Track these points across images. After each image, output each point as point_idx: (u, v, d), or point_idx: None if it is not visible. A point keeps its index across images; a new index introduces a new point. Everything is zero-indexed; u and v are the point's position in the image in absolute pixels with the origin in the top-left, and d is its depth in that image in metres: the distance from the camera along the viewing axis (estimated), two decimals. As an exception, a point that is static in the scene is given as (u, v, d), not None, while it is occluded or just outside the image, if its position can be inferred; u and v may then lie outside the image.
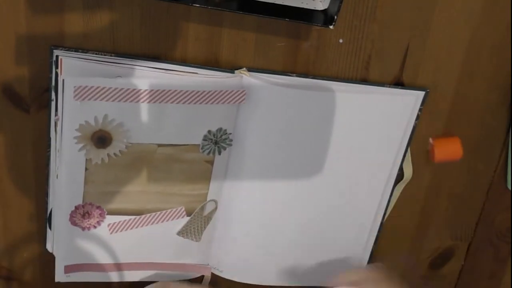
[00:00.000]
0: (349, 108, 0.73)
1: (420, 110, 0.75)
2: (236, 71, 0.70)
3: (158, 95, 0.67)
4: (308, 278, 0.84)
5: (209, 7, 0.64)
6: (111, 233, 0.74)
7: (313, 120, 0.73)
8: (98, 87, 0.65)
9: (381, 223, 0.82)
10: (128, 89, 0.66)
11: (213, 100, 0.68)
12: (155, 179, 0.72)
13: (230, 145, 0.72)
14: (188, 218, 0.75)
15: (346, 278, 0.73)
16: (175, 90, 0.67)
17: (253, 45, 0.70)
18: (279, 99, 0.71)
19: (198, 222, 0.76)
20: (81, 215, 0.72)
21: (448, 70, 0.75)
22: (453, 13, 0.71)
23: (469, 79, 0.75)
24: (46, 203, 0.75)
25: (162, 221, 0.74)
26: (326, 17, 0.65)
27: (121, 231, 0.74)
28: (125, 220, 0.73)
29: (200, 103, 0.68)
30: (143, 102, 0.67)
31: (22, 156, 0.73)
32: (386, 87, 0.73)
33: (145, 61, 0.68)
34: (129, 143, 0.69)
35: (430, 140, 0.77)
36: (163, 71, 0.68)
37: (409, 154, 0.78)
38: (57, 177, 0.71)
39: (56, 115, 0.69)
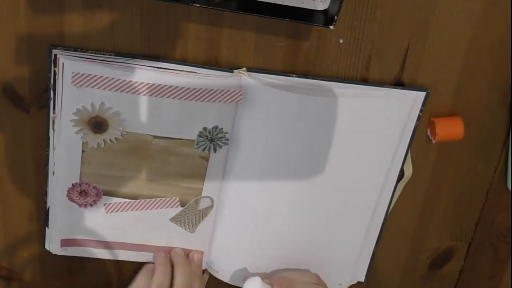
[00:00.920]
0: (349, 109, 0.73)
1: (420, 111, 0.75)
2: (235, 71, 0.70)
3: (155, 89, 0.67)
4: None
5: (209, 7, 0.64)
6: (106, 213, 0.75)
7: (312, 121, 0.73)
8: (95, 75, 0.66)
9: (383, 223, 0.82)
10: (125, 80, 0.66)
11: (209, 98, 0.68)
12: (150, 169, 0.72)
13: (226, 144, 0.72)
14: (182, 208, 0.76)
15: (281, 277, 0.76)
16: (172, 86, 0.67)
17: (253, 45, 0.70)
18: (278, 100, 0.71)
19: (192, 213, 0.76)
20: (78, 192, 0.73)
21: (448, 70, 0.74)
22: (453, 13, 0.71)
23: (469, 79, 0.75)
24: (45, 202, 0.75)
25: (156, 208, 0.75)
26: (326, 17, 0.65)
27: (116, 211, 0.75)
28: (120, 202, 0.75)
29: (196, 100, 0.68)
30: (139, 94, 0.67)
31: (22, 156, 0.73)
32: (386, 87, 0.73)
33: (145, 60, 0.68)
34: (125, 132, 0.70)
35: (432, 119, 0.77)
36: (162, 70, 0.68)
37: (409, 155, 0.78)
38: (53, 174, 0.72)
39: (54, 113, 0.69)
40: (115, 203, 0.74)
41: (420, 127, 0.76)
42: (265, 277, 0.76)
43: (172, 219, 0.76)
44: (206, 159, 0.73)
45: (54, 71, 0.67)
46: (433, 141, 0.77)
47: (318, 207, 0.78)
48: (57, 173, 0.73)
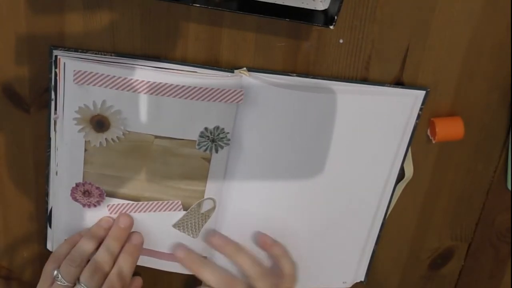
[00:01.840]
0: (349, 108, 0.73)
1: (420, 109, 0.75)
2: (235, 71, 0.70)
3: (156, 88, 0.67)
4: (307, 278, 0.84)
5: (209, 7, 0.64)
6: (110, 213, 0.75)
7: (313, 120, 0.73)
8: (97, 74, 0.66)
9: (382, 223, 0.82)
10: (126, 78, 0.66)
11: (210, 97, 0.68)
12: (152, 170, 0.72)
13: (228, 144, 0.72)
14: (185, 212, 0.75)
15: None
16: (172, 84, 0.67)
17: (253, 45, 0.70)
18: (279, 99, 0.71)
19: (195, 218, 0.76)
20: (82, 192, 0.73)
21: (448, 70, 0.75)
22: (453, 13, 0.71)
23: (469, 79, 0.75)
24: (46, 203, 0.75)
25: (159, 211, 0.75)
26: (327, 17, 0.65)
27: (119, 212, 0.75)
28: (124, 204, 0.74)
29: (197, 99, 0.68)
30: (140, 92, 0.67)
31: (22, 156, 0.74)
32: (387, 86, 0.73)
33: (145, 61, 0.68)
34: (126, 131, 0.70)
35: (432, 119, 0.77)
36: (163, 70, 0.68)
37: (410, 154, 0.78)
38: (56, 174, 0.72)
39: (55, 113, 0.69)
40: (119, 204, 0.74)
41: (420, 127, 0.76)
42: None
43: (175, 225, 0.76)
44: (208, 160, 0.73)
45: (55, 72, 0.67)
46: (433, 141, 0.77)
47: (320, 206, 0.78)
48: (60, 172, 0.72)
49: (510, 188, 0.83)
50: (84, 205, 0.74)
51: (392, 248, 0.86)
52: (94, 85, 0.66)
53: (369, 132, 0.75)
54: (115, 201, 0.74)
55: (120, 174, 0.72)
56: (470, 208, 0.85)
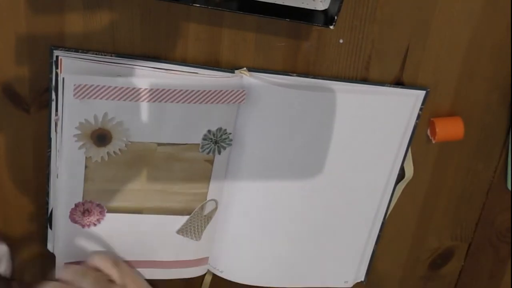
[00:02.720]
0: (350, 108, 0.73)
1: (420, 109, 0.75)
2: (236, 71, 0.70)
3: (158, 95, 0.67)
4: (308, 278, 0.84)
5: (209, 7, 0.64)
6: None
7: (313, 120, 0.73)
8: (97, 86, 0.65)
9: (382, 223, 0.82)
10: (128, 88, 0.66)
11: (213, 100, 0.68)
12: (155, 178, 0.72)
13: (230, 144, 0.72)
14: (188, 216, 0.75)
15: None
16: (175, 90, 0.67)
17: (253, 45, 0.70)
18: (280, 99, 0.71)
19: (198, 221, 0.76)
20: (81, 212, 0.72)
21: (448, 70, 0.75)
22: (453, 13, 0.71)
23: (469, 79, 0.75)
24: (46, 203, 0.75)
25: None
26: (327, 17, 0.65)
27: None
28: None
29: (200, 102, 0.68)
30: (142, 101, 0.67)
31: (22, 156, 0.73)
32: (387, 86, 0.73)
33: (145, 61, 0.68)
34: (129, 142, 0.69)
35: (432, 119, 0.77)
36: (163, 71, 0.68)
37: (410, 154, 0.78)
38: (57, 177, 0.71)
39: (56, 115, 0.69)
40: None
41: (420, 126, 0.76)
42: None
43: (178, 232, 0.76)
44: (211, 162, 0.73)
45: (56, 72, 0.67)
46: (433, 141, 0.77)
47: (321, 205, 0.78)
48: (60, 195, 0.71)
49: (510, 188, 0.83)
50: (83, 226, 0.73)
51: (392, 248, 0.86)
52: (95, 98, 0.65)
53: (369, 132, 0.75)
54: (117, 217, 0.73)
55: (121, 187, 0.72)
56: (470, 208, 0.85)
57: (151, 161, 0.71)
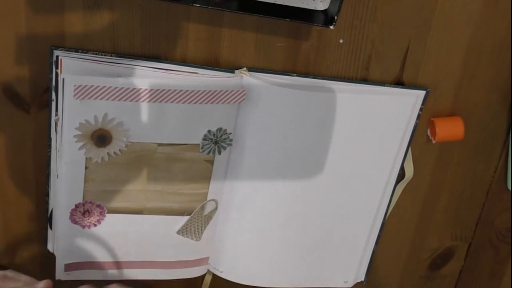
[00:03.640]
0: (350, 108, 0.73)
1: (420, 109, 0.75)
2: (236, 71, 0.70)
3: (158, 95, 0.67)
4: (308, 278, 0.84)
5: (209, 7, 0.64)
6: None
7: (313, 120, 0.73)
8: (98, 86, 0.65)
9: (382, 223, 0.82)
10: (128, 88, 0.66)
11: (213, 100, 0.68)
12: (155, 178, 0.72)
13: (230, 144, 0.72)
14: (188, 217, 0.75)
15: None
16: (175, 90, 0.67)
17: (253, 45, 0.70)
18: (280, 99, 0.71)
19: (198, 221, 0.76)
20: (81, 213, 0.72)
21: (448, 70, 0.75)
22: (453, 13, 0.71)
23: (469, 79, 0.75)
24: (46, 203, 0.75)
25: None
26: (327, 17, 0.65)
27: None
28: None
29: (200, 103, 0.68)
30: (143, 101, 0.67)
31: (22, 156, 0.73)
32: (387, 86, 0.73)
33: (145, 61, 0.68)
34: (129, 142, 0.69)
35: (432, 119, 0.77)
36: (163, 71, 0.68)
37: (410, 154, 0.78)
38: (57, 177, 0.71)
39: (56, 115, 0.69)
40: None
41: (420, 126, 0.76)
42: None
43: (178, 232, 0.76)
44: (211, 162, 0.73)
45: (56, 72, 0.67)
46: (433, 141, 0.77)
47: (322, 205, 0.78)
48: (60, 195, 0.71)
49: (510, 188, 0.83)
50: (84, 227, 0.73)
51: (392, 248, 0.86)
52: (95, 98, 0.65)
53: (369, 132, 0.75)
54: (118, 217, 0.73)
55: (122, 187, 0.72)
56: (470, 208, 0.85)
57: (151, 162, 0.71)
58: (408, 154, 0.78)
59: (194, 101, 0.68)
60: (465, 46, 0.73)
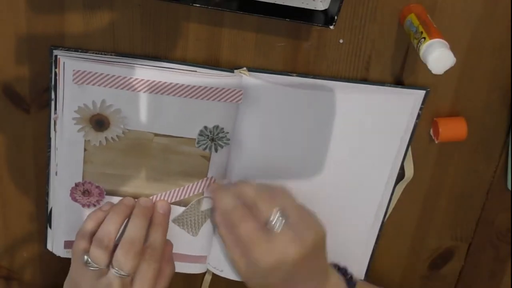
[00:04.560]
0: (350, 108, 0.73)
1: (420, 109, 0.75)
2: (236, 71, 0.70)
3: (156, 87, 0.67)
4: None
5: (209, 7, 0.64)
6: None
7: (313, 120, 0.73)
8: (96, 73, 0.66)
9: (382, 223, 0.82)
10: (126, 77, 0.66)
11: (209, 96, 0.68)
12: (151, 167, 0.72)
13: (228, 144, 0.72)
14: (184, 208, 0.75)
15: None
16: (172, 83, 0.67)
17: (253, 45, 0.70)
18: (279, 99, 0.71)
19: (194, 215, 0.76)
20: (81, 192, 0.73)
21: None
22: (453, 13, 0.71)
23: (470, 79, 0.75)
24: (46, 203, 0.75)
25: (180, 197, 0.75)
26: (327, 17, 0.65)
27: None
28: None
29: (197, 98, 0.68)
30: (140, 92, 0.67)
31: (22, 156, 0.73)
32: (387, 86, 0.73)
33: (145, 61, 0.68)
34: (126, 129, 0.70)
35: (435, 119, 0.77)
36: (163, 69, 0.68)
37: (410, 154, 0.78)
38: (56, 174, 0.72)
39: (55, 113, 0.69)
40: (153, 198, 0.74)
41: (420, 126, 0.76)
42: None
43: (174, 221, 0.76)
44: (207, 158, 0.73)
45: (55, 72, 0.67)
46: (436, 141, 0.77)
47: (322, 205, 0.78)
48: (60, 173, 0.72)
49: (510, 188, 0.83)
50: (83, 205, 0.74)
51: (392, 248, 0.86)
52: (94, 84, 0.66)
53: (369, 132, 0.75)
54: (116, 199, 0.74)
55: (120, 172, 0.73)
56: (470, 208, 0.85)
57: (148, 151, 0.71)
58: (408, 154, 0.78)
59: (191, 95, 0.68)
60: (465, 45, 0.73)
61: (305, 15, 0.66)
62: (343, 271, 0.77)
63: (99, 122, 0.69)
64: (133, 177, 0.73)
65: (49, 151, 0.72)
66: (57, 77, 0.67)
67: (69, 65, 0.66)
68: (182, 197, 0.75)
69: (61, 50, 0.67)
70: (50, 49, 0.67)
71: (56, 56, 0.66)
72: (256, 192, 0.69)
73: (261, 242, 0.67)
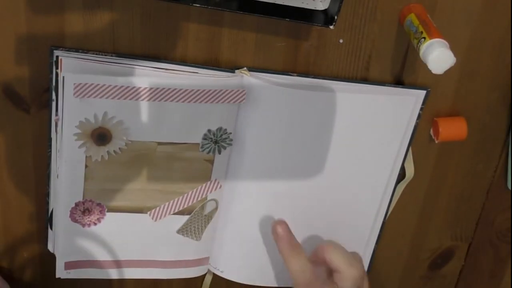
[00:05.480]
0: (350, 108, 0.73)
1: (421, 109, 0.75)
2: (236, 71, 0.70)
3: (158, 94, 0.67)
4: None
5: (209, 7, 0.64)
6: (155, 221, 0.74)
7: (313, 120, 0.73)
8: (97, 85, 0.65)
9: (383, 223, 0.82)
10: (128, 87, 0.66)
11: (213, 99, 0.68)
12: (155, 177, 0.72)
13: (231, 144, 0.72)
14: (188, 216, 0.75)
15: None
16: (175, 89, 0.67)
17: (253, 45, 0.70)
18: (280, 99, 0.71)
19: (198, 221, 0.76)
20: (81, 211, 0.72)
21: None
22: (453, 13, 0.71)
23: (470, 79, 0.75)
24: (46, 203, 0.75)
25: (190, 203, 0.75)
26: (327, 17, 0.65)
27: (164, 216, 0.74)
28: (160, 208, 0.74)
29: (200, 102, 0.68)
30: (142, 100, 0.67)
31: (22, 156, 0.73)
32: (387, 86, 0.73)
33: (145, 61, 0.68)
34: (129, 141, 0.69)
35: (435, 119, 0.77)
36: (163, 71, 0.68)
37: (411, 154, 0.78)
38: (57, 177, 0.71)
39: (56, 115, 0.69)
40: (160, 208, 0.74)
41: (421, 126, 0.76)
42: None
43: (178, 231, 0.76)
44: (211, 161, 0.73)
45: (56, 72, 0.67)
46: (436, 141, 0.77)
47: (322, 205, 0.78)
48: (59, 193, 0.71)
49: (510, 188, 0.83)
50: (84, 225, 0.73)
51: (392, 248, 0.86)
52: (95, 97, 0.65)
53: (369, 132, 0.75)
54: (118, 216, 0.73)
55: (121, 186, 0.72)
56: (470, 208, 0.85)
57: (151, 161, 0.71)
58: (408, 154, 0.78)
59: (194, 100, 0.68)
60: (465, 45, 0.73)
61: (305, 15, 0.66)
62: None
63: (100, 136, 0.68)
64: (135, 191, 0.72)
65: (50, 151, 0.72)
66: (58, 78, 0.67)
67: (69, 78, 0.65)
68: (186, 205, 0.75)
69: (61, 50, 0.67)
70: (51, 49, 0.67)
71: (57, 57, 0.66)
72: (336, 259, 0.72)
73: None
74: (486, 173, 0.83)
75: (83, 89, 0.65)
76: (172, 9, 0.67)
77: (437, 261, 0.89)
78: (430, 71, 0.64)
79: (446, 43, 0.64)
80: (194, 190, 0.74)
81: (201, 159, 0.72)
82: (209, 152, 0.72)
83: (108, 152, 0.69)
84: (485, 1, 0.71)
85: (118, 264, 0.77)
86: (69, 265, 0.76)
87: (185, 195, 0.74)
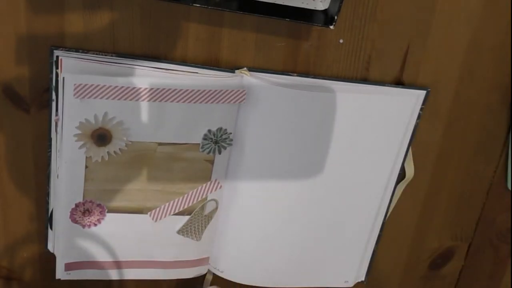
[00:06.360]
0: (350, 108, 0.73)
1: (421, 109, 0.75)
2: (236, 71, 0.70)
3: (158, 94, 0.67)
4: (308, 278, 0.84)
5: (209, 7, 0.64)
6: (156, 221, 0.74)
7: (313, 120, 0.73)
8: (97, 85, 0.65)
9: (383, 223, 0.82)
10: (128, 87, 0.66)
11: (213, 99, 0.68)
12: (155, 178, 0.72)
13: (231, 144, 0.72)
14: (188, 216, 0.75)
15: None
16: (175, 89, 0.67)
17: (253, 45, 0.70)
18: (280, 99, 0.71)
19: (198, 221, 0.76)
20: (82, 212, 0.72)
21: (448, 70, 0.75)
22: (453, 13, 0.71)
23: (469, 79, 0.75)
24: (46, 203, 0.75)
25: (192, 202, 0.74)
26: (327, 17, 0.65)
27: (164, 217, 0.74)
28: (162, 208, 0.74)
29: (200, 102, 0.68)
30: (143, 100, 0.67)
31: (22, 156, 0.73)
32: (387, 86, 0.73)
33: (145, 61, 0.68)
34: (129, 141, 0.69)
35: None
36: (163, 71, 0.68)
37: (410, 154, 0.78)
38: (57, 177, 0.71)
39: (56, 115, 0.69)
40: (160, 209, 0.74)
41: (421, 126, 0.76)
42: None
43: (179, 232, 0.76)
44: (211, 162, 0.73)
45: (56, 72, 0.67)
46: None
47: (321, 205, 0.78)
48: (59, 194, 0.71)
49: (510, 188, 0.83)
50: (84, 226, 0.73)
51: (393, 248, 0.86)
52: (95, 97, 0.65)
53: (369, 132, 0.75)
54: (118, 216, 0.73)
55: (122, 187, 0.72)
56: (470, 208, 0.85)
57: (151, 161, 0.71)
58: (408, 154, 0.78)
59: (194, 100, 0.68)
60: (465, 45, 0.73)
61: (305, 15, 0.66)
62: None
63: (100, 137, 0.68)
64: (135, 191, 0.72)
65: (50, 151, 0.72)
66: (58, 78, 0.67)
67: (70, 79, 0.65)
68: (186, 206, 0.75)
69: (62, 50, 0.67)
70: (51, 49, 0.67)
71: (57, 57, 0.66)
72: None
73: None
74: (486, 173, 0.83)
75: (83, 90, 0.65)
76: (172, 9, 0.67)
77: (437, 261, 0.89)
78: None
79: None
80: (194, 190, 0.74)
81: (201, 159, 0.72)
82: (209, 152, 0.72)
83: (108, 152, 0.69)
84: (485, 1, 0.71)
85: (118, 264, 0.77)
86: (69, 266, 0.76)
87: (185, 195, 0.74)
